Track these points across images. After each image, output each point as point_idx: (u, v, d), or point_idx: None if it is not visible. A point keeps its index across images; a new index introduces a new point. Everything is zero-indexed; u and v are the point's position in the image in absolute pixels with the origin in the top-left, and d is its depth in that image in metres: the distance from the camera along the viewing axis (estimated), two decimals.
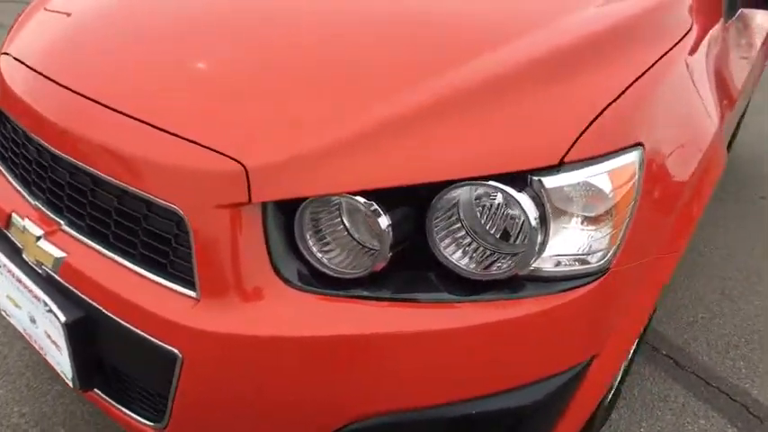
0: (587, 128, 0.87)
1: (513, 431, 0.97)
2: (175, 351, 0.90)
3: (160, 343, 0.91)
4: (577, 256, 0.88)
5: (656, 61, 1.03)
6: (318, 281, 0.90)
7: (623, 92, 0.93)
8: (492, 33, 1.00)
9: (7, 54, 1.23)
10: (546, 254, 0.87)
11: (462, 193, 0.86)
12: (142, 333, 0.92)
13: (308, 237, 0.89)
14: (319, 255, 0.90)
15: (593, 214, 0.86)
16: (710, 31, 1.31)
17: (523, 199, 0.82)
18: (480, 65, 0.92)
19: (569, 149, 0.84)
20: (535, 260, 0.86)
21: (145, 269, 0.95)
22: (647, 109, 0.97)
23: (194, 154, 0.87)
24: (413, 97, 0.88)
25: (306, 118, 0.88)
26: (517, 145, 0.85)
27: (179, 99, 0.95)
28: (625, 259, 0.94)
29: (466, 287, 0.89)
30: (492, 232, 0.87)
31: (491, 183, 0.83)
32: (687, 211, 1.09)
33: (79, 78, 1.03)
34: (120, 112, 0.95)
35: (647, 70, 0.99)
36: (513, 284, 0.89)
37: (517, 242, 0.86)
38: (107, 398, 1.09)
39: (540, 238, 0.84)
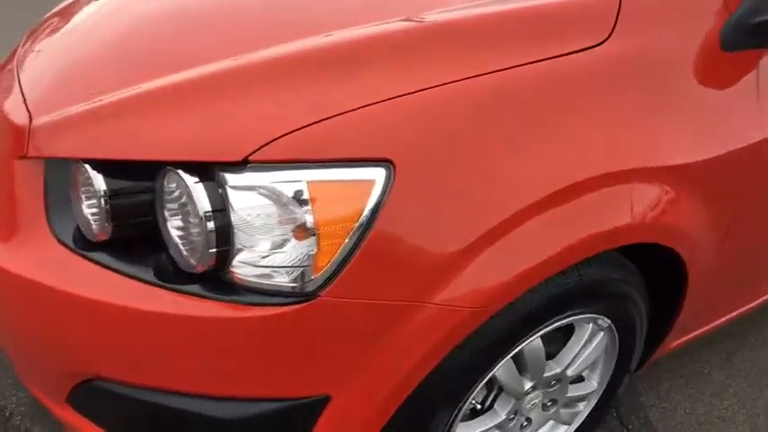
0: (296, 130, 0.78)
1: None
2: None
3: None
4: (270, 269, 0.80)
5: (469, 78, 0.86)
6: (80, 239, 0.97)
7: (375, 103, 0.81)
8: (279, 28, 0.96)
9: None
10: (240, 258, 0.81)
11: (169, 178, 0.84)
12: None
13: (80, 196, 0.97)
14: (88, 216, 0.97)
15: (276, 223, 0.78)
16: (665, 53, 1.01)
17: (196, 190, 0.78)
18: (239, 59, 0.90)
19: (260, 148, 0.77)
20: (225, 261, 0.81)
21: None
22: (418, 128, 0.82)
23: (18, 108, 1.02)
24: (161, 80, 0.90)
25: (84, 86, 0.97)
26: (214, 136, 0.81)
27: (52, 67, 1.13)
28: (348, 291, 0.81)
29: (185, 275, 0.88)
30: (184, 223, 0.84)
31: (178, 170, 0.80)
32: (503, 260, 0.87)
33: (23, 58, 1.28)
34: (17, 75, 1.16)
35: (438, 86, 0.84)
36: (221, 286, 0.84)
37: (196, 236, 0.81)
38: None
39: (211, 237, 0.79)
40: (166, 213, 0.87)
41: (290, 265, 0.79)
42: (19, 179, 1.01)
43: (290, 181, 0.77)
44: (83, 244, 0.95)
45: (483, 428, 1.15)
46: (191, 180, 0.79)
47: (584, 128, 0.93)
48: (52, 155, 0.94)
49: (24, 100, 1.04)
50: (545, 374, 1.16)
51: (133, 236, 0.92)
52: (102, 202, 0.87)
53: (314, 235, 0.78)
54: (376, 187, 0.79)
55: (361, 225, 0.79)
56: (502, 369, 1.06)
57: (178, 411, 0.91)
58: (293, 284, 0.80)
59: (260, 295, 0.82)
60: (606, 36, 0.97)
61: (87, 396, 1.00)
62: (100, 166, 0.89)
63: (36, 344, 1.01)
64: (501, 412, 1.16)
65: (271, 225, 0.78)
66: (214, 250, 0.80)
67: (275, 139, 0.78)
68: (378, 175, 0.79)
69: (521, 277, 0.89)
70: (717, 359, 1.87)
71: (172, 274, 0.88)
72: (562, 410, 1.32)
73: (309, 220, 0.78)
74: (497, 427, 1.18)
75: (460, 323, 0.87)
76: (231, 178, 0.78)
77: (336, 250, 0.79)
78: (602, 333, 1.21)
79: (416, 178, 0.81)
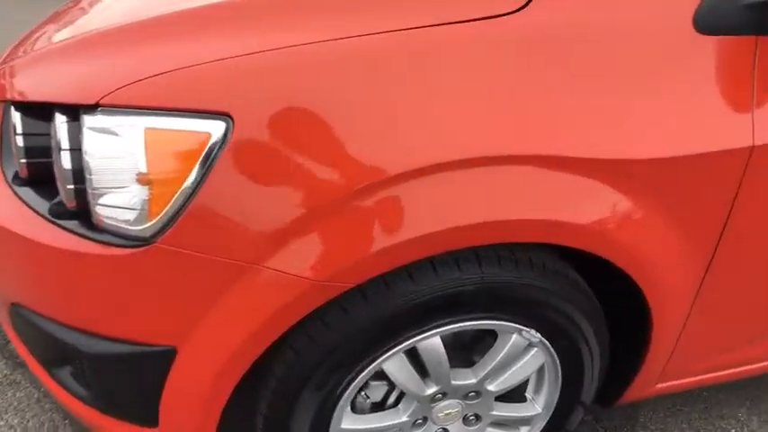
0: (144, 79, 0.80)
1: (82, 373, 0.97)
2: None
3: None
4: (116, 210, 0.83)
5: (335, 39, 0.80)
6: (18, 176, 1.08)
7: (221, 59, 0.80)
8: None
9: None
10: (95, 198, 0.84)
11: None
12: None
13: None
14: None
15: (119, 165, 0.80)
16: (610, 30, 0.86)
17: (60, 129, 0.84)
18: None
19: (109, 93, 0.80)
20: (88, 200, 0.85)
21: None
22: (267, 86, 0.80)
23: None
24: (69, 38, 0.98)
25: (33, 44, 1.07)
26: (83, 82, 0.84)
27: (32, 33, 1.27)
28: (182, 242, 0.82)
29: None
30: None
31: (55, 112, 0.86)
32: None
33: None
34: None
35: (296, 46, 0.80)
36: (91, 224, 0.89)
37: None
38: None
39: (68, 174, 0.83)
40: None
41: (130, 207, 0.82)
42: None
43: (130, 126, 0.79)
44: (19, 181, 1.06)
45: (378, 425, 1.07)
46: (60, 120, 0.85)
47: (465, 103, 0.83)
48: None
49: (5, 56, 1.18)
50: (454, 382, 1.06)
51: (46, 174, 1.00)
52: (17, 140, 0.97)
53: (148, 180, 0.80)
54: (212, 140, 0.78)
55: (195, 177, 0.79)
56: (392, 364, 0.99)
57: (60, 341, 0.97)
58: (133, 228, 0.82)
59: (110, 236, 0.85)
60: (525, 2, 0.86)
61: (14, 319, 1.11)
62: (22, 108, 0.98)
63: None
64: (403, 413, 1.08)
65: (115, 167, 0.81)
66: (71, 187, 0.84)
67: (124, 86, 0.80)
68: (215, 128, 0.78)
69: (371, 258, 0.82)
70: (755, 420, 1.57)
71: (65, 212, 0.95)
72: (496, 431, 1.19)
73: (144, 166, 0.79)
74: (400, 429, 1.10)
75: (302, 294, 0.83)
76: (86, 120, 0.82)
77: (169, 199, 0.80)
78: (534, 349, 1.07)
79: (257, 136, 0.79)
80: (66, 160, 0.83)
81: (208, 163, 0.79)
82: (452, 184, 0.82)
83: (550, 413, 1.19)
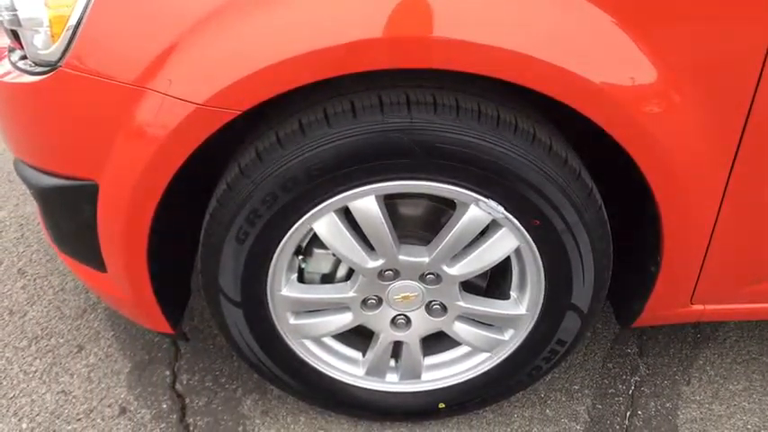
0: None
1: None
2: None
3: None
4: (35, 34, 0.82)
5: None
6: None
7: None
8: None
9: None
10: (26, 33, 0.84)
11: None
12: None
13: None
14: None
15: None
16: None
17: None
18: None
19: None
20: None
21: None
22: None
23: None
24: None
25: None
26: None
27: None
28: (80, 64, 0.80)
29: None
30: None
31: None
32: None
33: None
34: None
35: None
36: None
37: None
38: None
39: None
40: None
41: (40, 30, 0.82)
42: None
43: None
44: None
45: (321, 296, 0.99)
46: None
47: None
48: None
49: None
50: (402, 257, 0.93)
51: None
52: None
53: (48, 2, 0.79)
54: None
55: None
56: (323, 226, 0.89)
57: (25, 179, 1.02)
58: (43, 53, 0.83)
59: (37, 66, 0.86)
60: None
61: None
62: None
63: None
64: (350, 288, 0.98)
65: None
66: (3, 20, 0.87)
67: None
68: None
69: (249, 79, 0.73)
70: None
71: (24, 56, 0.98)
72: (474, 330, 1.04)
73: None
74: (348, 307, 1.00)
75: (189, 119, 0.77)
76: None
77: (66, 21, 0.79)
78: (502, 229, 0.90)
79: None
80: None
81: None
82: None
83: (536, 316, 1.00)
